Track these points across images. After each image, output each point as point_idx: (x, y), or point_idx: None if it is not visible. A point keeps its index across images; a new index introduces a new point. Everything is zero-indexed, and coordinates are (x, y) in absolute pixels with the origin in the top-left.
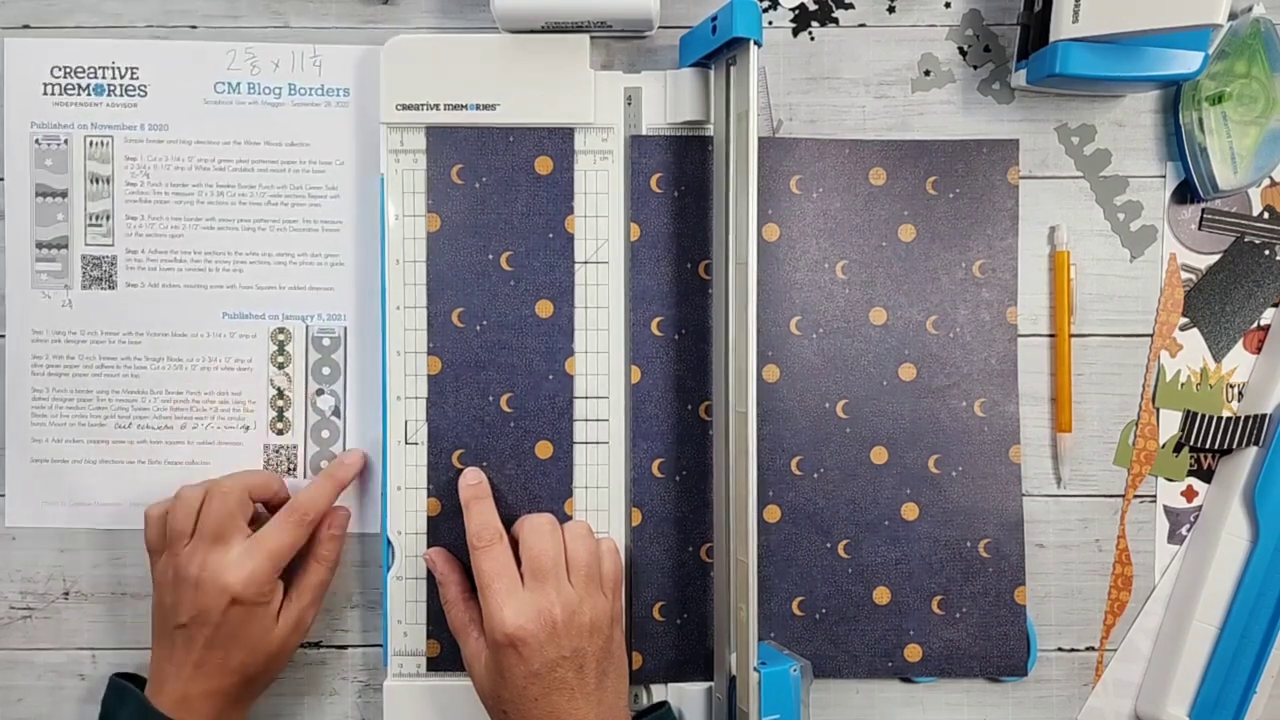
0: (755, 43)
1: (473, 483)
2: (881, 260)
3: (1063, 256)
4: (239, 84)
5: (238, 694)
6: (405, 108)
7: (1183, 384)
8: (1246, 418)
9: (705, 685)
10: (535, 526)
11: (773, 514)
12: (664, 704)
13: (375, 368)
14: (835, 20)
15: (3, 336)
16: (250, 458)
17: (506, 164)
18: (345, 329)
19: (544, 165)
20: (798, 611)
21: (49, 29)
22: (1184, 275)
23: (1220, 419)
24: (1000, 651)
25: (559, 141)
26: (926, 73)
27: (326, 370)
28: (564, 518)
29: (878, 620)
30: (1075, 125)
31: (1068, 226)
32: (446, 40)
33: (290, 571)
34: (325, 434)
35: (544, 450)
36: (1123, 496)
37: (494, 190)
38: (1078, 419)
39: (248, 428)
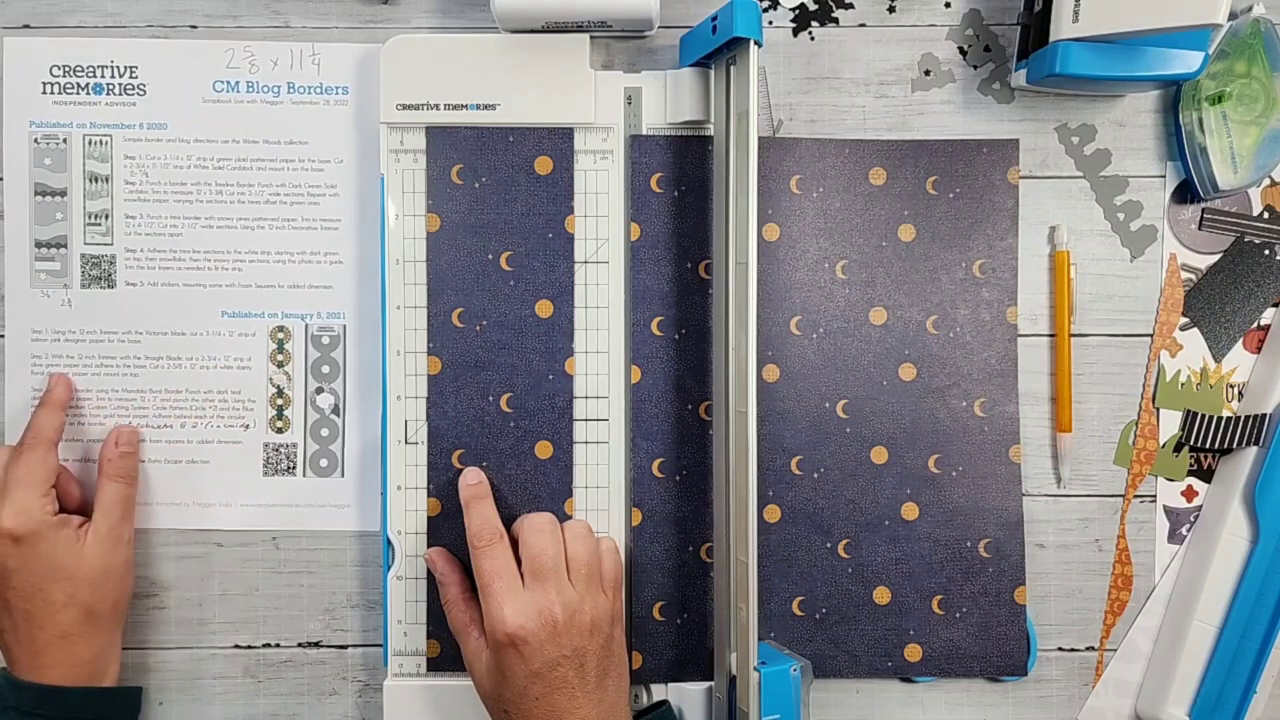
0: (755, 43)
1: (473, 482)
2: (881, 260)
3: (1063, 256)
4: (238, 83)
5: (84, 631)
6: (405, 107)
7: (1183, 384)
8: (1246, 417)
9: (705, 685)
10: (535, 526)
11: (773, 514)
12: (664, 703)
13: (375, 366)
14: (835, 20)
15: (2, 336)
16: (250, 456)
17: (506, 164)
18: (344, 327)
19: (544, 165)
20: (798, 611)
21: (49, 28)
22: (1184, 275)
23: (1220, 419)
24: (1000, 651)
25: (559, 141)
26: (926, 73)
27: (326, 368)
28: (564, 517)
29: (878, 620)
30: (1075, 125)
31: (1068, 226)
32: (446, 40)
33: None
34: (325, 432)
35: (544, 450)
36: (1123, 496)
37: (494, 190)
38: (1078, 419)
39: (247, 426)
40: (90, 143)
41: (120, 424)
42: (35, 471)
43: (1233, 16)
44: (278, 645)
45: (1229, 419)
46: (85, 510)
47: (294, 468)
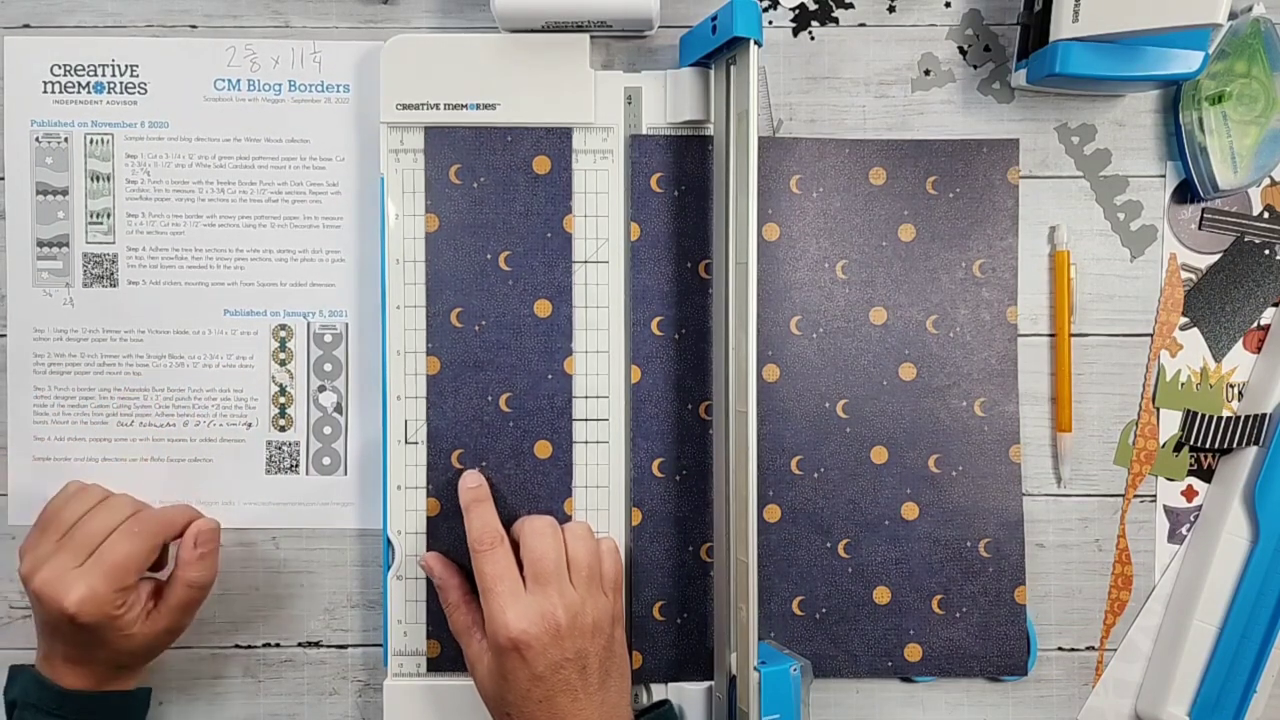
0: (755, 42)
1: (473, 486)
2: (881, 260)
3: (1063, 256)
4: (239, 81)
5: (115, 673)
6: (405, 107)
7: (1183, 384)
8: (1246, 417)
9: (705, 685)
10: (536, 529)
11: (773, 514)
12: (665, 702)
13: (377, 363)
14: (835, 20)
15: (4, 335)
16: (253, 454)
17: (504, 164)
18: (346, 325)
19: (542, 165)
20: (798, 611)
21: (49, 28)
22: (1184, 275)
23: (1220, 419)
24: (1000, 651)
25: (556, 141)
26: (926, 72)
27: (328, 366)
28: (564, 518)
29: (878, 620)
30: (1075, 125)
31: (1068, 226)
32: (446, 40)
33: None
34: (328, 430)
35: (543, 450)
36: (1123, 496)
37: (492, 190)
38: (1078, 419)
39: (250, 425)
40: (91, 141)
41: (202, 520)
42: (125, 561)
43: (1233, 16)
44: (278, 645)
45: (1229, 419)
46: (162, 560)
47: (297, 466)
